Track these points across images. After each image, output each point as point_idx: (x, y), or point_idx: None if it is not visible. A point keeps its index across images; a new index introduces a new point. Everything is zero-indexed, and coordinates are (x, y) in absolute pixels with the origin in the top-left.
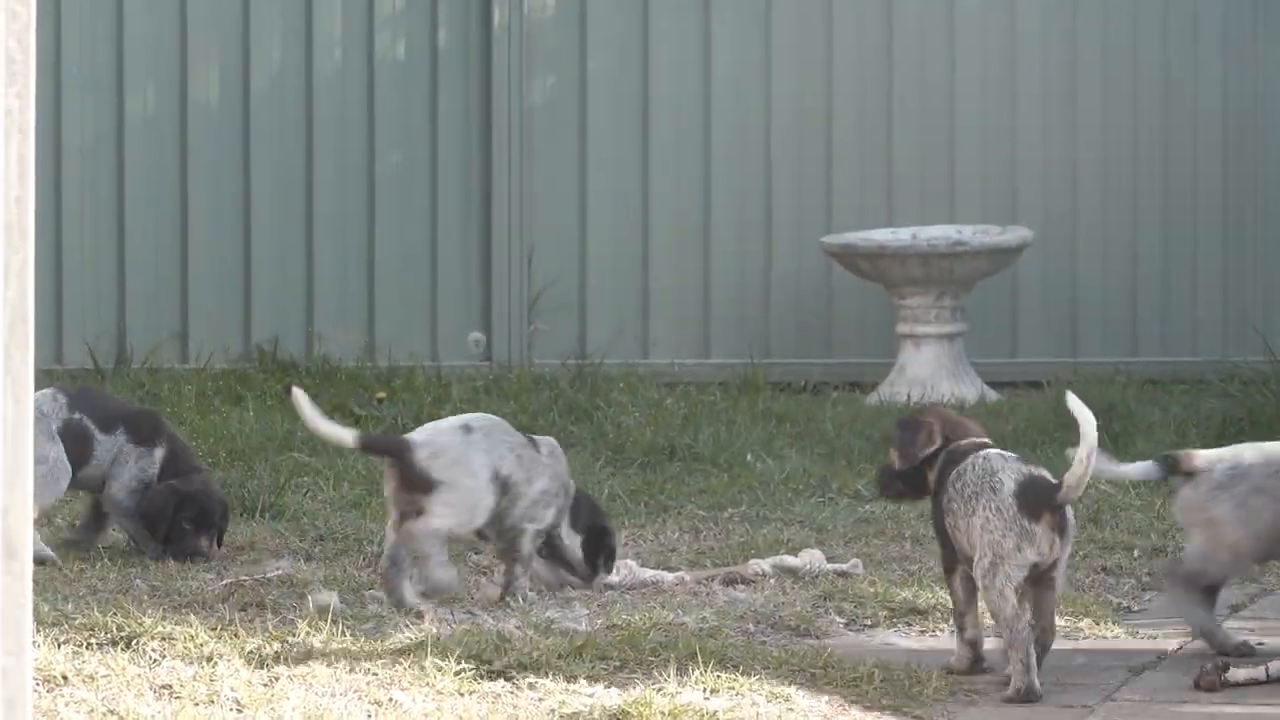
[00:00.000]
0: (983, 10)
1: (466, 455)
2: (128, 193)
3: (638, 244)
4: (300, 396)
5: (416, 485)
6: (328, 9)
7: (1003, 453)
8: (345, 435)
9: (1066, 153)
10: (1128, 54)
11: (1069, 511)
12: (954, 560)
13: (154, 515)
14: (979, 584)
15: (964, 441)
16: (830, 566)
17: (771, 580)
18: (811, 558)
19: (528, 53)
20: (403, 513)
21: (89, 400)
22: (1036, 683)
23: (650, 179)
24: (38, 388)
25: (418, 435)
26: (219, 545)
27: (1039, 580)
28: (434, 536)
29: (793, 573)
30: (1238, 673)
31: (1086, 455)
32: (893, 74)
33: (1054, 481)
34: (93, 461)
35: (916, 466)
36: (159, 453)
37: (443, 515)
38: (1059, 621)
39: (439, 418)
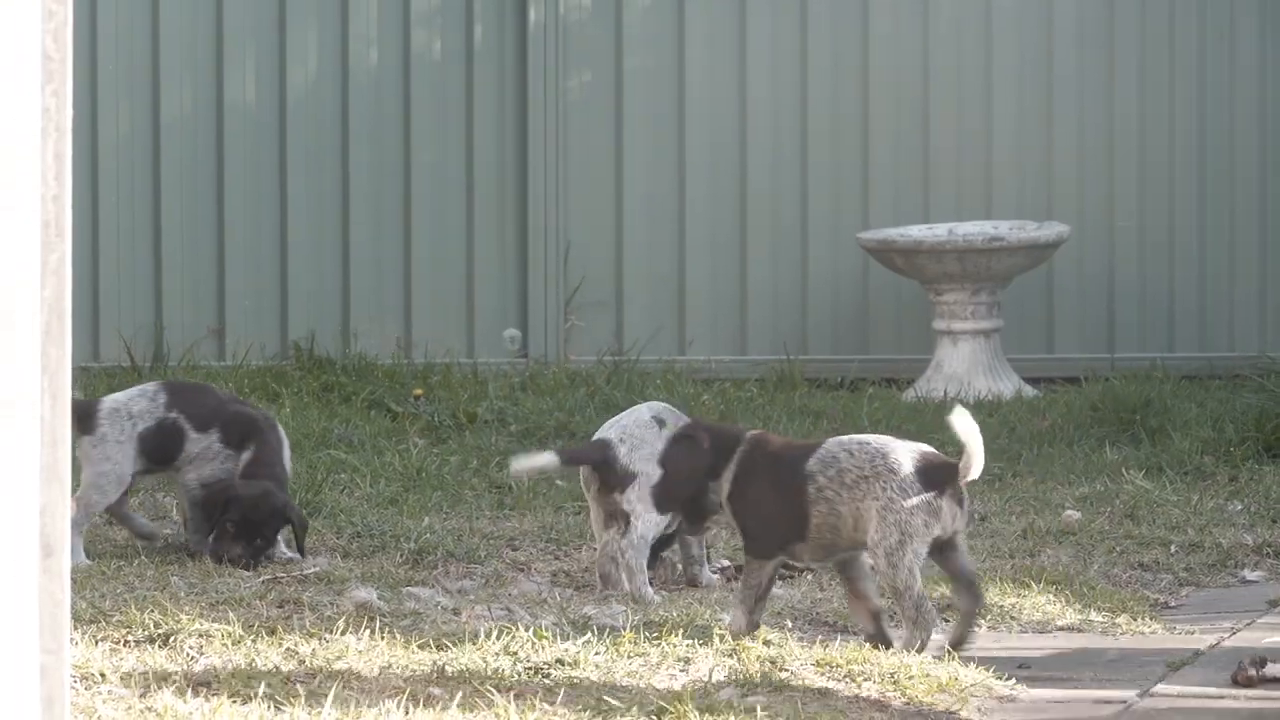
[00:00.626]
0: (1018, 7)
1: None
2: (164, 191)
3: (674, 240)
4: (520, 466)
5: (618, 483)
6: (363, 7)
7: (858, 437)
8: (548, 459)
9: (1103, 149)
10: (1164, 49)
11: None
12: (775, 549)
13: (205, 509)
14: (882, 563)
15: (771, 440)
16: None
17: (809, 576)
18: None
19: (564, 50)
20: (609, 514)
21: (190, 398)
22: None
23: (686, 175)
24: (73, 385)
25: (611, 433)
26: (300, 554)
27: (944, 549)
28: (641, 545)
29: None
30: (1275, 668)
31: (972, 434)
32: (928, 71)
33: (950, 459)
34: (180, 457)
35: (700, 483)
36: (245, 455)
37: (644, 514)
38: (1097, 617)
39: (476, 415)
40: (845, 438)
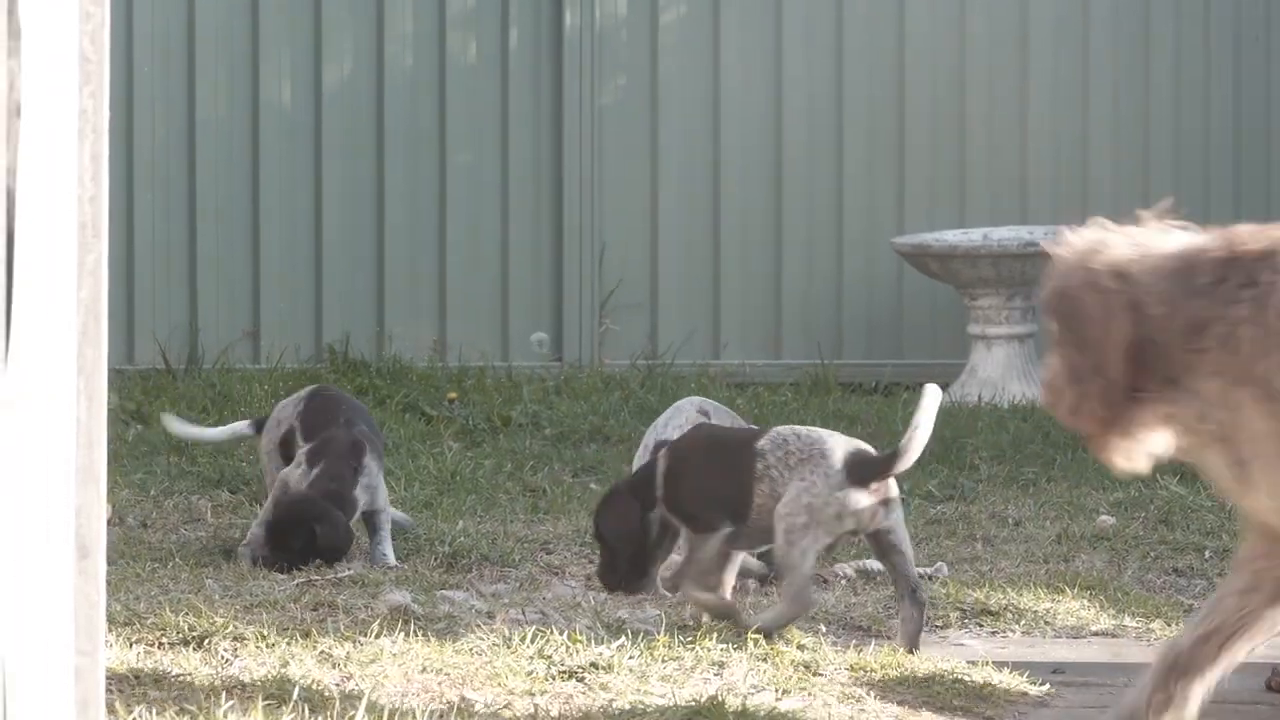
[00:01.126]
0: (1055, 14)
1: None
2: (199, 193)
3: (708, 244)
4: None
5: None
6: (399, 9)
7: (799, 427)
8: (882, 490)
9: (1138, 154)
10: (1200, 53)
11: (893, 482)
12: (719, 522)
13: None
14: (782, 538)
15: (701, 429)
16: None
17: (844, 581)
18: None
19: (599, 53)
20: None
21: (315, 406)
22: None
23: (721, 179)
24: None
25: (668, 433)
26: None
27: (888, 552)
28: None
29: (873, 576)
30: None
31: (927, 417)
32: (964, 76)
33: (878, 455)
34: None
35: (639, 543)
36: (315, 471)
37: None
38: (1131, 622)
39: (510, 418)
40: (788, 426)
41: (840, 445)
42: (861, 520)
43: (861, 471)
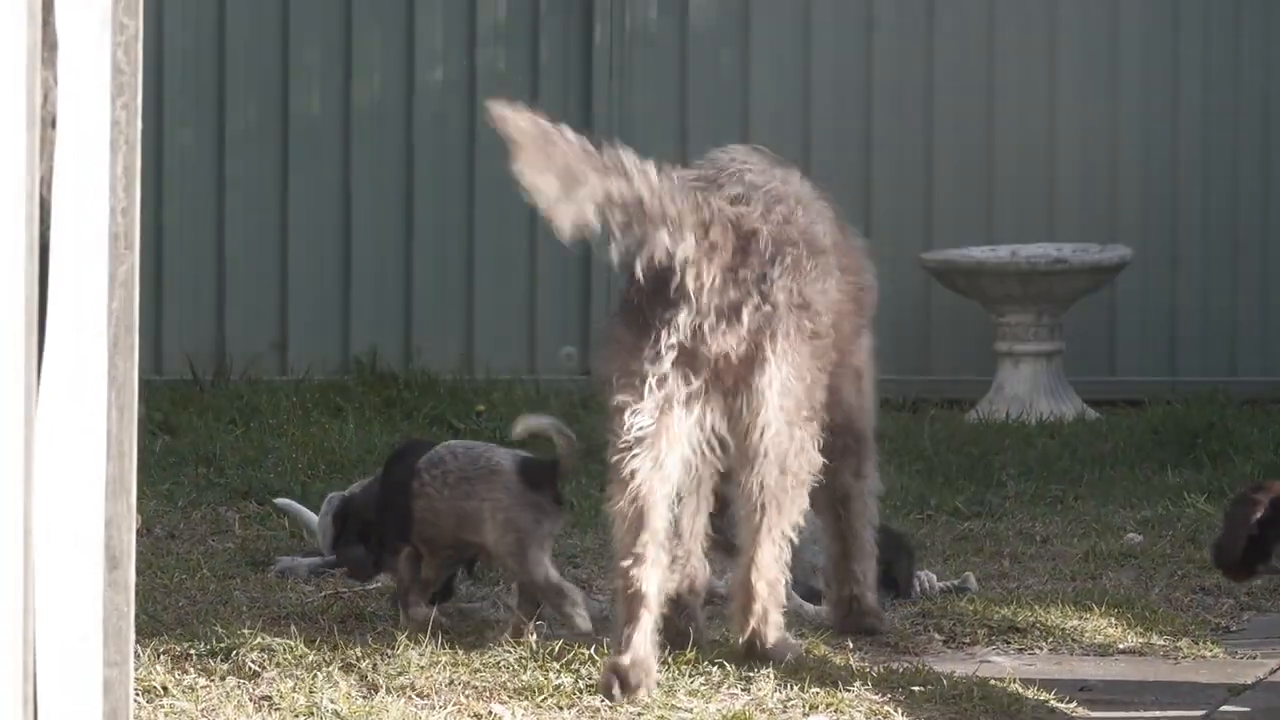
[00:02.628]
0: (1083, 30)
1: None
2: (228, 204)
3: None
4: None
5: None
6: (430, 23)
7: (465, 442)
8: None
9: (1166, 170)
10: (1229, 73)
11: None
12: (405, 541)
13: None
14: (508, 563)
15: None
16: (942, 584)
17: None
18: (926, 578)
19: (628, 67)
20: None
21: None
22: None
23: None
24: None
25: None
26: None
27: None
28: None
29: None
30: None
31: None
32: (992, 92)
33: (545, 459)
34: None
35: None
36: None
37: None
38: (1158, 640)
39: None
40: (456, 441)
41: (506, 457)
42: (555, 522)
43: (536, 476)
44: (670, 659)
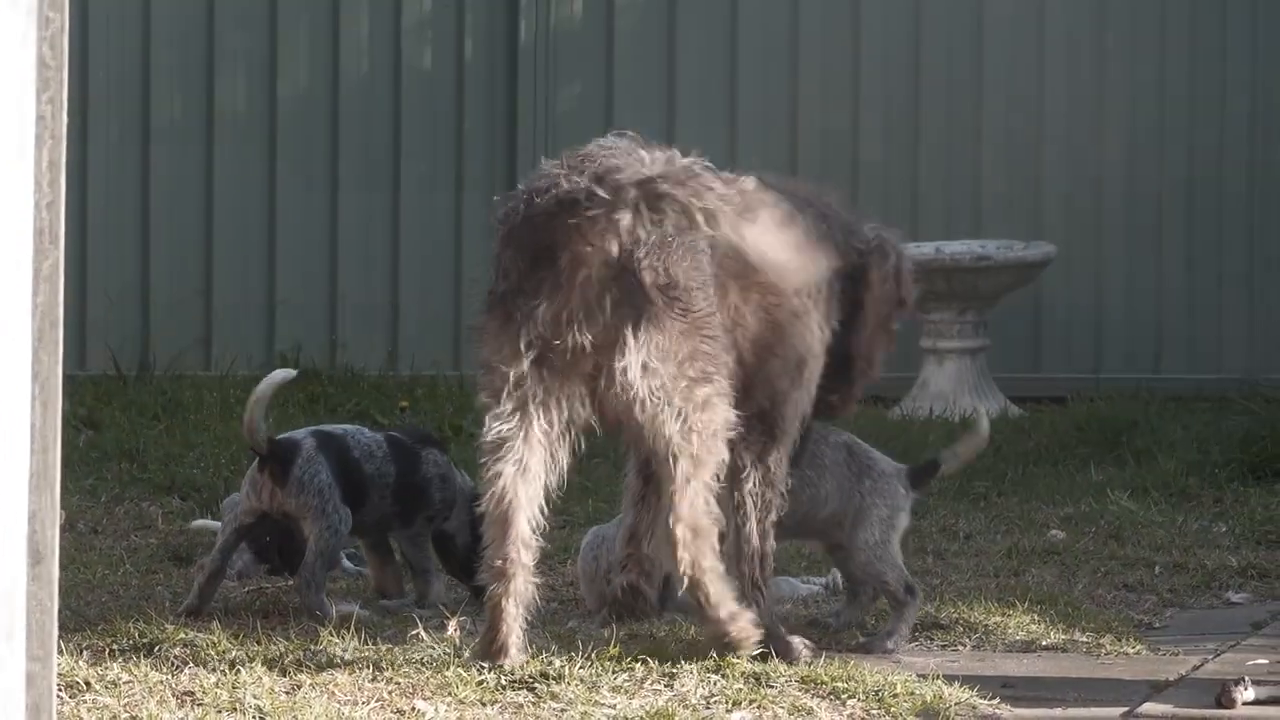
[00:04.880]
0: (1011, 28)
1: None
2: (152, 199)
3: None
4: None
5: None
6: (355, 17)
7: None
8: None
9: (1091, 168)
10: (1154, 68)
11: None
12: None
13: None
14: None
15: None
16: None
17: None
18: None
19: (554, 63)
20: None
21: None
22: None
23: None
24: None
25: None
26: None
27: None
28: None
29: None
30: (1259, 691)
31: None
32: (919, 92)
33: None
34: None
35: None
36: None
37: None
38: (1081, 637)
39: (461, 427)
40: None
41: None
42: (262, 499)
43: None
44: (594, 656)
